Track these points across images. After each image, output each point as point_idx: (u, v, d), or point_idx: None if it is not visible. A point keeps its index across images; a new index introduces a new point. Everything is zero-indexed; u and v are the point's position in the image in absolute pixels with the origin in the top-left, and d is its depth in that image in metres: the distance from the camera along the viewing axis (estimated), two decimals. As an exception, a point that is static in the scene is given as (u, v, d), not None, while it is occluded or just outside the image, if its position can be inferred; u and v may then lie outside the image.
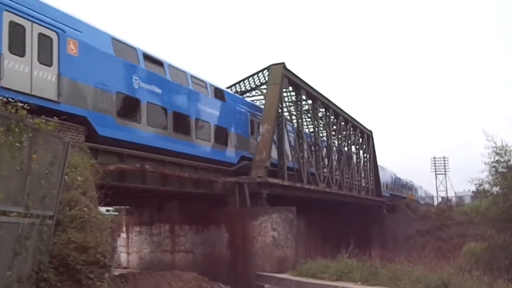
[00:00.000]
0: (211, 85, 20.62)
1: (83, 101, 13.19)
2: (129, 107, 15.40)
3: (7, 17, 11.20)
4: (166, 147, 16.68)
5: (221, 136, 20.65)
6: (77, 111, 12.82)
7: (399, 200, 48.04)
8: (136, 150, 15.17)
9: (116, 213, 25.11)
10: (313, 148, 28.41)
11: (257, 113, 24.27)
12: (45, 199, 6.77)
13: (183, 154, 17.60)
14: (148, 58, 16.76)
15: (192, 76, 19.29)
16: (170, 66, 17.97)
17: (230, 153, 21.26)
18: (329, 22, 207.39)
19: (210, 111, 19.94)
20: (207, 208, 20.49)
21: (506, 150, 19.10)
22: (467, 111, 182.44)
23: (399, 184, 56.72)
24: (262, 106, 25.74)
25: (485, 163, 19.56)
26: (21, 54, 11.47)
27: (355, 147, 37.54)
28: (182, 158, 17.49)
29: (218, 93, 21.13)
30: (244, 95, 26.62)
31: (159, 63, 17.48)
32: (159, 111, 16.78)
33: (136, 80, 15.59)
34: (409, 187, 64.19)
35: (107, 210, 27.61)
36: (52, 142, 7.06)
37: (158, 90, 16.69)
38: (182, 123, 17.94)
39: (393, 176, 53.87)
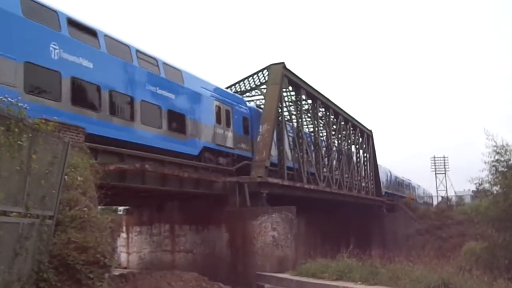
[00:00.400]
0: (164, 63, 17.88)
1: None
2: (44, 81, 12.68)
3: None
4: (99, 132, 13.76)
5: (176, 123, 17.95)
6: None
7: (395, 199, 46.96)
8: None
9: None
10: (313, 148, 28.42)
11: (226, 99, 22.01)
12: (45, 199, 6.76)
13: (124, 142, 14.94)
14: (74, 24, 13.97)
15: (138, 51, 16.58)
16: (106, 36, 15.15)
17: (189, 143, 18.51)
18: (329, 22, 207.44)
19: (162, 93, 17.20)
20: (207, 208, 20.47)
21: (506, 150, 19.10)
22: (467, 111, 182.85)
23: (395, 182, 54.92)
24: (231, 92, 24.47)
25: (485, 162, 19.55)
26: None
27: (355, 146, 37.58)
28: (123, 148, 14.78)
29: (174, 73, 18.39)
30: (244, 95, 26.61)
31: (91, 32, 14.62)
32: (89, 89, 14.10)
33: (55, 49, 12.86)
34: (406, 185, 62.56)
35: None
36: (52, 142, 7.04)
37: (88, 64, 13.94)
38: (122, 105, 15.34)
39: (388, 174, 51.55)
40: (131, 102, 15.73)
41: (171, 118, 17.57)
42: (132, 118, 15.66)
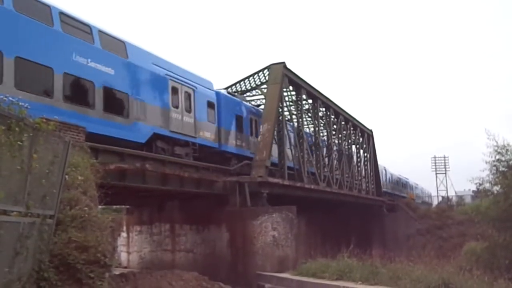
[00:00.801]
0: (100, 31, 14.96)
1: None
2: None
3: None
4: None
5: (115, 103, 15.22)
6: None
7: (392, 198, 45.83)
8: None
9: None
10: (313, 148, 28.41)
11: (186, 80, 19.18)
12: (45, 198, 6.76)
13: None
14: None
15: (62, 14, 13.59)
16: None
17: (133, 128, 15.82)
18: (329, 21, 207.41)
19: (96, 66, 14.38)
20: (207, 208, 20.48)
21: (507, 149, 19.11)
22: (467, 111, 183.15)
23: (390, 181, 52.79)
24: (194, 73, 20.74)
25: (486, 162, 19.60)
26: None
27: (356, 146, 37.56)
28: None
29: (114, 44, 15.56)
30: (244, 95, 26.59)
31: None
32: None
33: None
34: (403, 184, 60.57)
35: None
36: (53, 142, 7.04)
37: None
38: (35, 78, 12.54)
39: (383, 171, 47.85)
40: (50, 74, 12.85)
41: (108, 97, 14.79)
42: (49, 94, 12.80)
